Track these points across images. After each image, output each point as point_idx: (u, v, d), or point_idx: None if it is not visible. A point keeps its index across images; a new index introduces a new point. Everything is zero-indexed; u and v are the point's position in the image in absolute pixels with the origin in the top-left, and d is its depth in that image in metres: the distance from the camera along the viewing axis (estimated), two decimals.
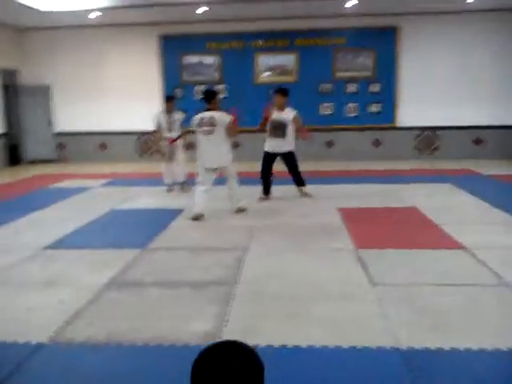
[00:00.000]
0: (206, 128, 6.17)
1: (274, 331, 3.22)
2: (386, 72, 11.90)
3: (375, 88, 12.02)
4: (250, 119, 11.59)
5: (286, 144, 7.11)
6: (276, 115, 7.04)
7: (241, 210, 6.53)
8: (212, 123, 6.14)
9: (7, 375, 2.78)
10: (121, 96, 12.44)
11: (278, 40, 12.15)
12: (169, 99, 8.39)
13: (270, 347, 3.01)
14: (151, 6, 10.28)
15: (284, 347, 3.02)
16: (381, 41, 11.85)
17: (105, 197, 7.85)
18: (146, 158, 12.31)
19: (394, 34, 11.80)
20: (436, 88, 11.74)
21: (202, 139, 6.24)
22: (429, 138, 12.05)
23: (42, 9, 10.20)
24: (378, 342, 3.04)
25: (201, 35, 12.18)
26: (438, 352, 2.92)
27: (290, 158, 7.24)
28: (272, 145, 7.16)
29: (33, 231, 5.84)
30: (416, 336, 3.12)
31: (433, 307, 3.54)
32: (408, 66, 11.81)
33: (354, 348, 2.99)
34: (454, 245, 4.99)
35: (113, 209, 6.98)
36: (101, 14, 10.75)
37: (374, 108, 12.04)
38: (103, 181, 9.43)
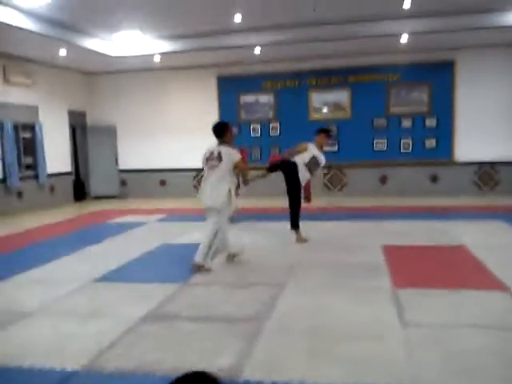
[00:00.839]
0: (212, 162, 5.65)
1: (294, 368, 3.26)
2: (442, 106, 11.78)
3: (431, 123, 11.87)
4: None
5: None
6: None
7: (199, 270, 5.58)
8: (219, 158, 5.61)
9: None
10: (181, 134, 13.01)
11: (331, 77, 12.34)
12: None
13: (288, 383, 3.06)
14: (208, 50, 10.80)
15: None
16: (436, 75, 11.78)
17: (159, 232, 8.19)
18: None
19: (450, 68, 11.71)
20: (494, 121, 11.47)
21: (205, 174, 5.78)
22: (488, 173, 11.68)
23: (112, 54, 10.99)
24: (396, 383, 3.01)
25: (257, 75, 12.61)
26: None
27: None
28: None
29: (85, 264, 6.20)
30: (438, 378, 3.05)
31: (462, 350, 3.45)
32: (465, 99, 11.64)
33: None
34: (497, 286, 4.82)
35: (164, 243, 7.27)
36: (163, 57, 11.41)
37: (431, 143, 11.86)
38: (160, 216, 9.83)
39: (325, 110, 12.47)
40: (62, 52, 10.38)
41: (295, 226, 6.94)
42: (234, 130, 13.25)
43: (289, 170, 6.89)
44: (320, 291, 4.84)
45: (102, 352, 3.60)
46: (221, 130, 5.75)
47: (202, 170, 7.95)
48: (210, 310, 4.43)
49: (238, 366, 3.29)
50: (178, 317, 4.27)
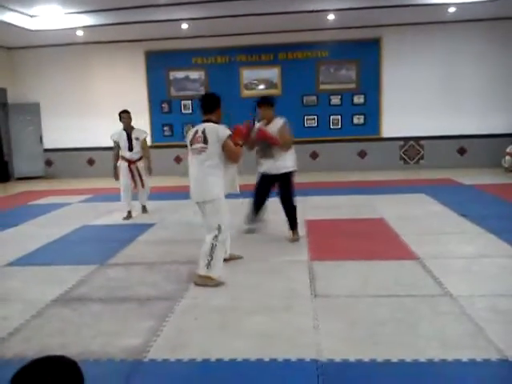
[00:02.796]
0: (197, 145, 4.40)
1: (201, 344, 3.26)
2: (370, 83, 12.00)
3: (359, 100, 12.10)
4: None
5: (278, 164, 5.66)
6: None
7: (201, 284, 4.38)
8: (204, 139, 4.37)
9: None
10: (108, 111, 12.56)
11: (261, 54, 12.29)
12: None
13: (192, 361, 3.05)
14: (134, 23, 10.46)
15: (206, 361, 3.05)
16: (364, 52, 11.96)
17: (81, 213, 7.95)
18: None
19: (377, 46, 11.90)
20: (420, 98, 11.80)
21: (190, 160, 4.55)
22: (413, 148, 12.09)
23: (31, 28, 10.42)
24: (300, 354, 3.07)
25: (186, 51, 12.36)
26: (357, 364, 2.95)
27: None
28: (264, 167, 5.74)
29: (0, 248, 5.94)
30: (340, 348, 3.14)
31: (366, 319, 3.57)
32: (391, 77, 11.89)
33: (274, 360, 3.02)
34: (407, 255, 5.02)
35: (85, 225, 7.07)
36: (86, 31, 10.95)
37: (359, 119, 12.11)
38: (85, 196, 9.55)
39: (257, 87, 12.42)
40: None
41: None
42: (164, 106, 13.12)
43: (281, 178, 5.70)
44: (237, 267, 4.86)
45: (5, 338, 3.47)
46: (210, 104, 4.52)
47: None
48: (124, 290, 4.35)
49: (145, 346, 3.26)
50: (89, 299, 4.17)
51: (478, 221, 6.21)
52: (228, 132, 4.38)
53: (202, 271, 4.39)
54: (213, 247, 4.37)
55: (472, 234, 5.75)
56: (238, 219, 5.94)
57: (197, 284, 4.39)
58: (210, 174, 4.36)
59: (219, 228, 4.38)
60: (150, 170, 7.50)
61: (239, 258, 5.13)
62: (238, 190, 4.78)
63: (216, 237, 4.37)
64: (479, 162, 11.66)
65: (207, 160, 4.35)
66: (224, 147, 4.36)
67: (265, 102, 5.69)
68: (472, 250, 5.15)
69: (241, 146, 4.52)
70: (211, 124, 4.43)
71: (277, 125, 5.58)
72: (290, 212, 5.76)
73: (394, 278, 4.41)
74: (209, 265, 4.36)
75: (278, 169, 5.61)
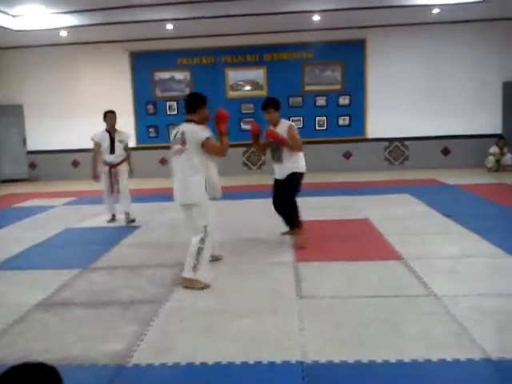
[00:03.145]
0: (177, 147, 4.37)
1: (186, 348, 3.23)
2: (355, 84, 12.06)
3: (344, 101, 12.15)
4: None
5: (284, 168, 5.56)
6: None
7: (187, 286, 4.33)
8: (183, 140, 4.31)
9: None
10: (93, 113, 12.42)
11: (247, 55, 12.28)
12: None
13: (176, 365, 3.03)
14: (118, 23, 10.39)
15: (191, 364, 3.03)
16: (348, 54, 12.02)
17: (65, 216, 7.87)
18: None
19: (362, 47, 11.97)
20: (404, 99, 11.90)
21: (173, 161, 4.49)
22: (398, 149, 12.17)
23: (14, 28, 10.31)
24: (285, 357, 3.05)
25: (171, 51, 12.31)
26: (342, 365, 2.95)
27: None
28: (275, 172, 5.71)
29: None
30: (325, 349, 3.14)
31: (351, 320, 3.57)
32: (376, 78, 11.97)
33: (259, 363, 3.00)
34: (392, 256, 5.04)
35: (69, 228, 6.99)
36: (70, 32, 10.85)
37: (344, 120, 12.15)
38: (69, 199, 9.46)
39: (242, 88, 12.42)
40: None
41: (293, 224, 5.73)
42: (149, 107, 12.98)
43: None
44: (222, 270, 4.84)
45: None
46: (192, 104, 4.42)
47: None
48: (108, 295, 4.31)
49: (129, 351, 3.22)
50: (72, 303, 4.12)
51: (462, 221, 6.26)
52: (206, 134, 4.30)
53: (188, 274, 4.35)
54: (199, 250, 4.32)
55: (456, 234, 5.79)
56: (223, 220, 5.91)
57: (184, 286, 4.35)
58: (192, 176, 4.31)
59: (205, 230, 4.33)
60: (132, 172, 7.25)
61: (219, 258, 5.09)
62: (220, 194, 4.75)
63: (202, 240, 4.32)
64: (463, 162, 11.78)
65: (187, 161, 4.31)
66: (205, 147, 4.30)
67: (269, 104, 5.47)
68: (456, 250, 5.19)
69: (225, 135, 4.39)
70: (191, 125, 4.36)
71: (283, 127, 5.45)
72: (286, 213, 5.64)
73: (379, 278, 4.42)
74: (195, 268, 4.32)
75: (284, 174, 5.53)
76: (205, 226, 4.34)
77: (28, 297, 4.29)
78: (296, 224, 5.63)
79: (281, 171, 5.57)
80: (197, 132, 4.30)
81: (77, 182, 11.82)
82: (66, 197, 9.73)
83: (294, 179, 5.52)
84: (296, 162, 5.50)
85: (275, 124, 5.49)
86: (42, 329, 3.65)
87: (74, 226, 7.08)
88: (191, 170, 4.31)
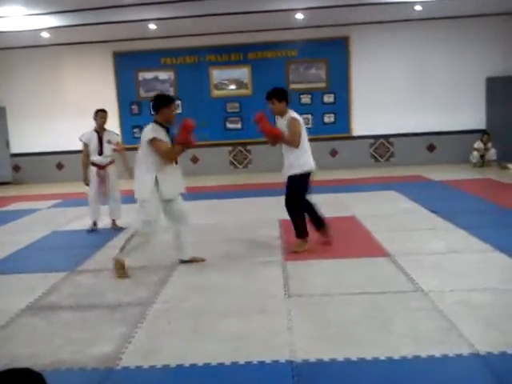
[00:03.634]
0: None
1: (175, 350, 3.21)
2: (339, 82, 12.10)
3: (329, 98, 12.18)
4: (208, 133, 11.77)
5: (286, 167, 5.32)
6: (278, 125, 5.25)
7: (115, 268, 4.73)
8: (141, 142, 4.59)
9: None
10: (77, 114, 12.34)
11: (231, 54, 12.26)
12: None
13: (166, 367, 3.01)
14: (100, 24, 10.30)
15: (180, 366, 3.01)
16: (332, 51, 12.06)
17: (50, 219, 7.79)
18: None
19: (345, 44, 12.00)
20: (388, 96, 11.95)
21: None
22: (383, 146, 12.24)
23: None
24: (274, 356, 3.05)
25: (155, 51, 12.24)
26: (331, 363, 2.95)
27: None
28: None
29: None
30: (314, 348, 3.14)
31: (340, 317, 3.58)
32: (360, 75, 12.02)
33: (249, 363, 3.00)
34: (379, 252, 5.07)
35: (54, 230, 6.92)
36: (52, 33, 10.74)
37: (329, 118, 12.19)
38: (54, 202, 9.36)
39: (227, 87, 12.40)
40: None
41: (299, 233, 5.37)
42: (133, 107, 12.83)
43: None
44: (211, 270, 4.83)
45: None
46: (155, 104, 4.63)
47: None
48: (95, 297, 4.27)
49: (117, 354, 3.20)
50: (59, 307, 4.07)
51: (449, 217, 6.31)
52: (150, 136, 4.46)
53: (117, 254, 4.71)
54: (132, 236, 4.68)
55: (443, 230, 5.84)
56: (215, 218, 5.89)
57: (113, 267, 4.69)
58: (143, 174, 4.58)
59: (142, 225, 4.61)
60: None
61: (202, 260, 5.07)
62: (184, 190, 4.89)
63: (136, 231, 4.66)
64: (448, 158, 11.88)
65: (140, 159, 4.60)
66: (154, 148, 4.49)
67: (272, 94, 5.15)
68: (443, 245, 5.23)
69: (183, 148, 4.56)
70: (149, 125, 4.61)
71: (285, 120, 5.15)
72: (292, 217, 5.31)
73: (367, 275, 4.44)
74: (122, 249, 4.68)
75: (284, 174, 5.30)
76: (142, 221, 4.59)
77: (15, 301, 4.23)
78: (299, 233, 5.29)
79: (283, 170, 5.32)
80: (146, 132, 4.54)
81: (61, 185, 11.73)
82: (51, 199, 9.63)
83: (294, 182, 5.21)
84: (296, 159, 5.14)
85: (282, 115, 5.20)
86: (30, 333, 3.61)
87: (59, 229, 7.01)
88: (143, 168, 4.58)
